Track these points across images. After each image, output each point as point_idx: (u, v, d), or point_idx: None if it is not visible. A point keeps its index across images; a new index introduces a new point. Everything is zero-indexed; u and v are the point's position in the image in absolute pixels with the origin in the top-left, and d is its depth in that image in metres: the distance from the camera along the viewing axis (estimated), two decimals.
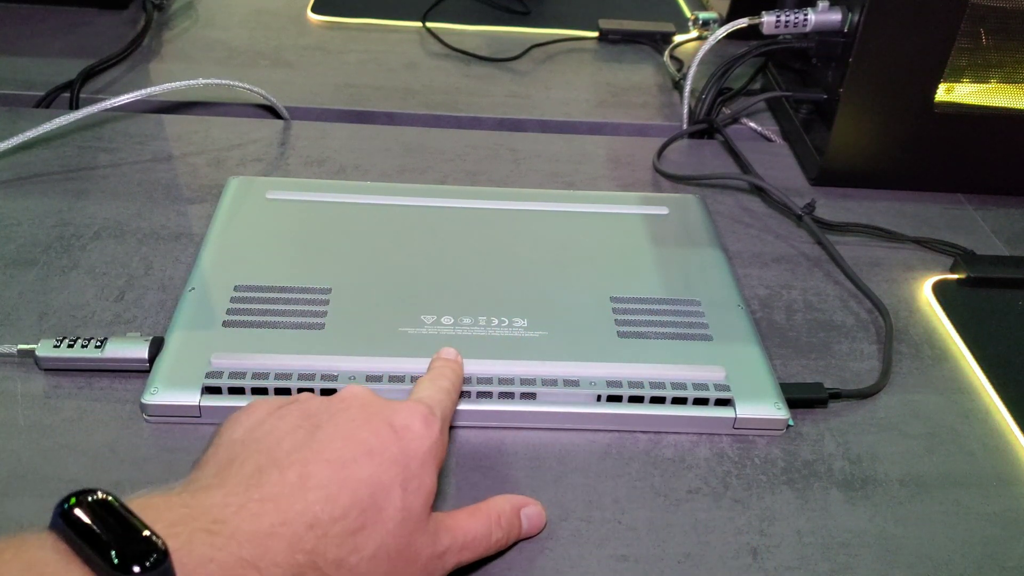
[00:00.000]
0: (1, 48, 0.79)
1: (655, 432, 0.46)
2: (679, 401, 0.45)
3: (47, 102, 0.72)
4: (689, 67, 0.74)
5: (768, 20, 0.70)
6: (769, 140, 0.75)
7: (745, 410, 0.45)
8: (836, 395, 0.48)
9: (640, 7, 0.98)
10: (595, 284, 0.52)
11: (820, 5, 0.67)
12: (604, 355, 0.47)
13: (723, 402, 0.46)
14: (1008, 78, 0.65)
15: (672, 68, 0.84)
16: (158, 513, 0.28)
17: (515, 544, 0.39)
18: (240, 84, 0.70)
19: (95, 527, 0.26)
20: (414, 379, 0.44)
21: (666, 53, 0.87)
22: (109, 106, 0.63)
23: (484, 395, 0.45)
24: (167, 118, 0.71)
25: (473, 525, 0.37)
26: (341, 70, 0.81)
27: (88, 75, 0.75)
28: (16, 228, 0.56)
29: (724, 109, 0.77)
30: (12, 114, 0.68)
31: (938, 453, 0.46)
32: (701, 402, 0.45)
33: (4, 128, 0.65)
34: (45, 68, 0.76)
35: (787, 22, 0.69)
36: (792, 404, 0.47)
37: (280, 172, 0.65)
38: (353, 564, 0.31)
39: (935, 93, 0.64)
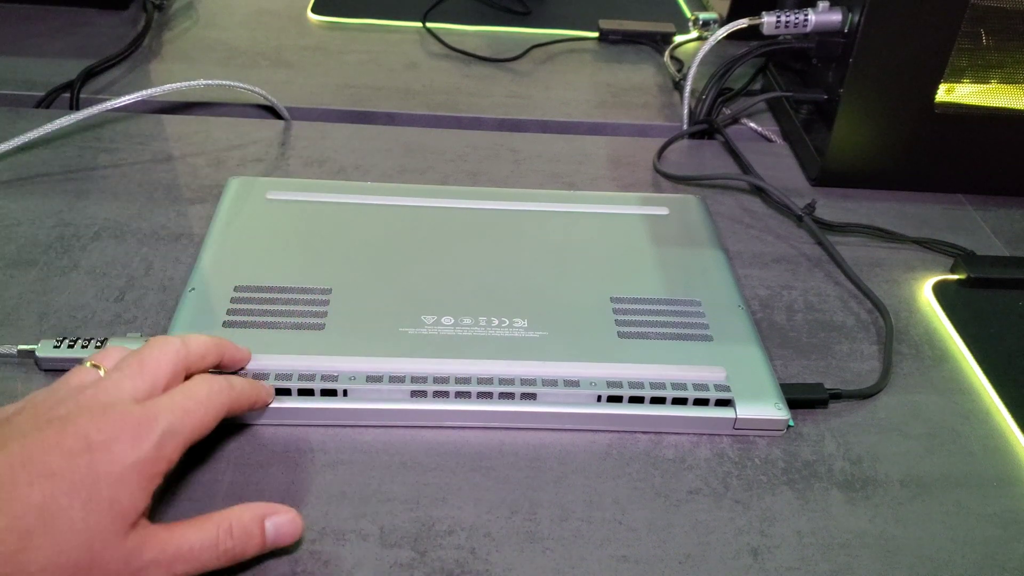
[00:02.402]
0: (1, 48, 0.79)
1: (655, 432, 0.46)
2: (679, 401, 0.45)
3: (47, 102, 0.72)
4: (689, 67, 0.74)
5: (768, 20, 0.70)
6: (769, 140, 0.75)
7: (745, 410, 0.45)
8: (836, 395, 0.48)
9: (640, 7, 0.98)
10: (595, 284, 0.52)
11: (820, 5, 0.67)
12: (604, 355, 0.47)
13: (723, 402, 0.46)
14: (1008, 78, 0.65)
15: (672, 68, 0.84)
16: None
17: (271, 554, 0.38)
18: (240, 85, 0.70)
19: None
20: (414, 379, 0.45)
21: (666, 53, 0.87)
22: (110, 107, 0.63)
23: (484, 395, 0.45)
24: (167, 118, 0.71)
25: (193, 535, 0.35)
26: (341, 70, 0.81)
27: (88, 75, 0.75)
28: (16, 228, 0.56)
29: (724, 109, 0.77)
30: (12, 114, 0.68)
31: (938, 454, 0.46)
32: (701, 402, 0.45)
33: (4, 128, 0.65)
34: (45, 68, 0.76)
35: (787, 22, 0.69)
36: (792, 404, 0.47)
37: (280, 172, 0.65)
38: None
39: (935, 93, 0.64)
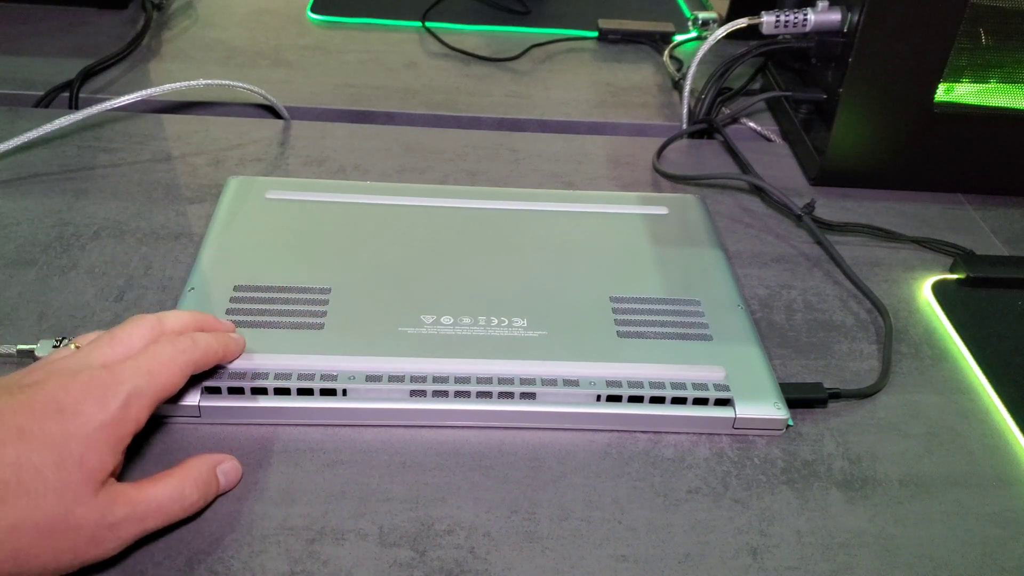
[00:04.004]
0: (1, 48, 0.79)
1: (655, 432, 0.46)
2: (679, 401, 0.45)
3: (47, 102, 0.72)
4: (689, 67, 0.74)
5: (768, 20, 0.70)
6: (769, 140, 0.75)
7: (745, 410, 0.45)
8: (836, 395, 0.48)
9: (639, 7, 0.98)
10: (595, 284, 0.52)
11: (820, 5, 0.67)
12: (604, 355, 0.47)
13: (723, 402, 0.46)
14: (1008, 78, 0.65)
15: (672, 68, 0.84)
16: None
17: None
18: (240, 84, 0.70)
19: None
20: (414, 379, 0.45)
21: (666, 53, 0.87)
22: (109, 107, 0.63)
23: (484, 395, 0.45)
24: (167, 118, 0.71)
25: (160, 491, 0.37)
26: (341, 70, 0.81)
27: (88, 75, 0.75)
28: (15, 228, 0.56)
29: (724, 109, 0.77)
30: (12, 114, 0.68)
31: (938, 453, 0.46)
32: (701, 402, 0.45)
33: (4, 128, 0.65)
34: (45, 68, 0.76)
35: (787, 22, 0.69)
36: (792, 404, 0.47)
37: (280, 172, 0.65)
38: None
39: (935, 93, 0.64)
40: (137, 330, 0.40)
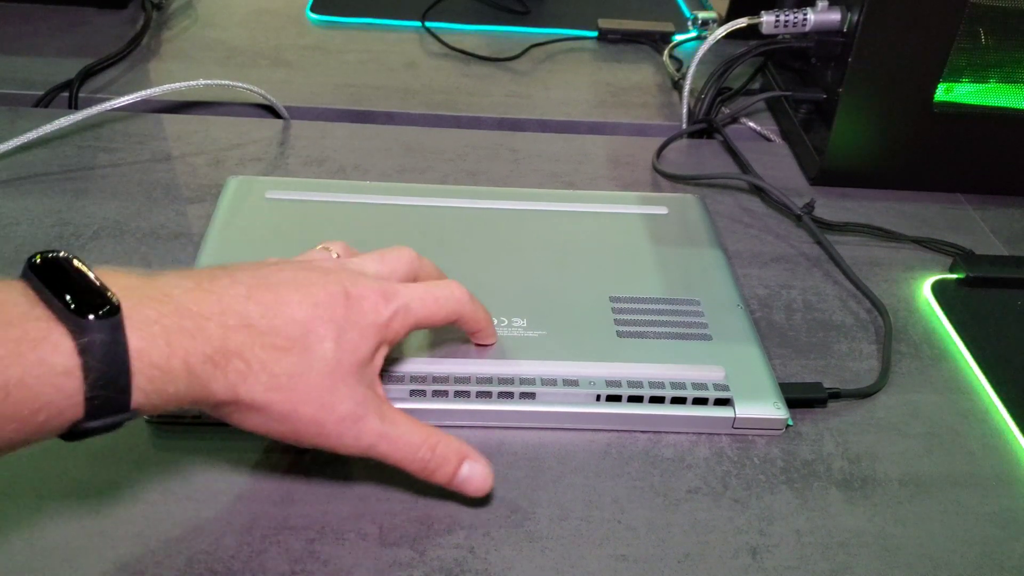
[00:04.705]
0: (1, 48, 0.79)
1: (654, 432, 0.46)
2: (678, 401, 0.45)
3: (46, 101, 0.72)
4: (688, 67, 0.74)
5: (767, 20, 0.70)
6: (768, 140, 0.75)
7: (744, 410, 0.45)
8: (835, 395, 0.48)
9: (639, 6, 0.98)
10: (594, 284, 0.52)
11: (819, 5, 0.67)
12: (603, 355, 0.47)
13: (722, 402, 0.46)
14: (1007, 78, 0.65)
15: (671, 68, 0.84)
16: (115, 279, 0.32)
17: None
18: (240, 84, 0.70)
19: (58, 278, 0.30)
20: (413, 378, 0.45)
21: (665, 53, 0.87)
22: (109, 107, 0.63)
23: (483, 395, 0.45)
24: (166, 118, 0.71)
25: (406, 430, 0.38)
26: (341, 70, 0.81)
27: (87, 74, 0.75)
28: (15, 228, 0.56)
29: (723, 109, 0.77)
30: (12, 114, 0.68)
31: (937, 453, 0.46)
32: (700, 402, 0.45)
33: (4, 128, 0.65)
34: (44, 68, 0.76)
35: (786, 22, 0.69)
36: (791, 404, 0.47)
37: (280, 172, 0.65)
38: (275, 372, 0.35)
39: (934, 93, 0.64)
40: (402, 256, 0.43)
